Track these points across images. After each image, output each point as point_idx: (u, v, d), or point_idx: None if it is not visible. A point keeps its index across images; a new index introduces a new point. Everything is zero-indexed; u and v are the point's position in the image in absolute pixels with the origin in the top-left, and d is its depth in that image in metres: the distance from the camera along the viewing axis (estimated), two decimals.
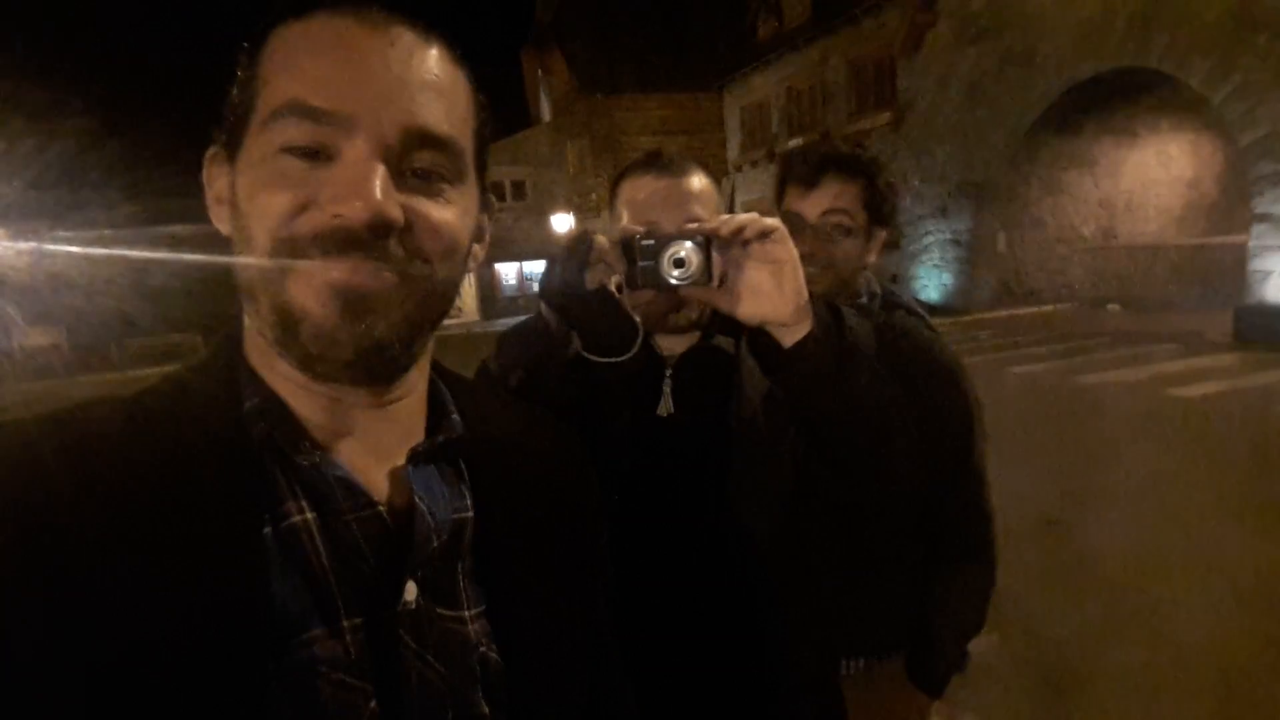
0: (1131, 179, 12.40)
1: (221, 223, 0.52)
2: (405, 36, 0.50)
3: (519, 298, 24.59)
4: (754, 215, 0.84)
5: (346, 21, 0.49)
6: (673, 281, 0.83)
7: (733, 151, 19.45)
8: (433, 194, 0.50)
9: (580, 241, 0.87)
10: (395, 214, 0.47)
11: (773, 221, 0.83)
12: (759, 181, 17.83)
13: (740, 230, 0.82)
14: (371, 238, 0.47)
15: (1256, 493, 4.04)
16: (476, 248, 0.57)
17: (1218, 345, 8.23)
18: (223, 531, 0.46)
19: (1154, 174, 12.49)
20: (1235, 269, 9.06)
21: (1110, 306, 11.47)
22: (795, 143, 16.47)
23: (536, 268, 25.85)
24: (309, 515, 0.49)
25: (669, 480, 0.99)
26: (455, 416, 0.58)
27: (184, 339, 18.76)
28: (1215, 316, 8.90)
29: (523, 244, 22.82)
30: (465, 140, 0.53)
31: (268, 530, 0.48)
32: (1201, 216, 12.80)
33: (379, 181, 0.46)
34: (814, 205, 1.22)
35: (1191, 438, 5.24)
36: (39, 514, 0.43)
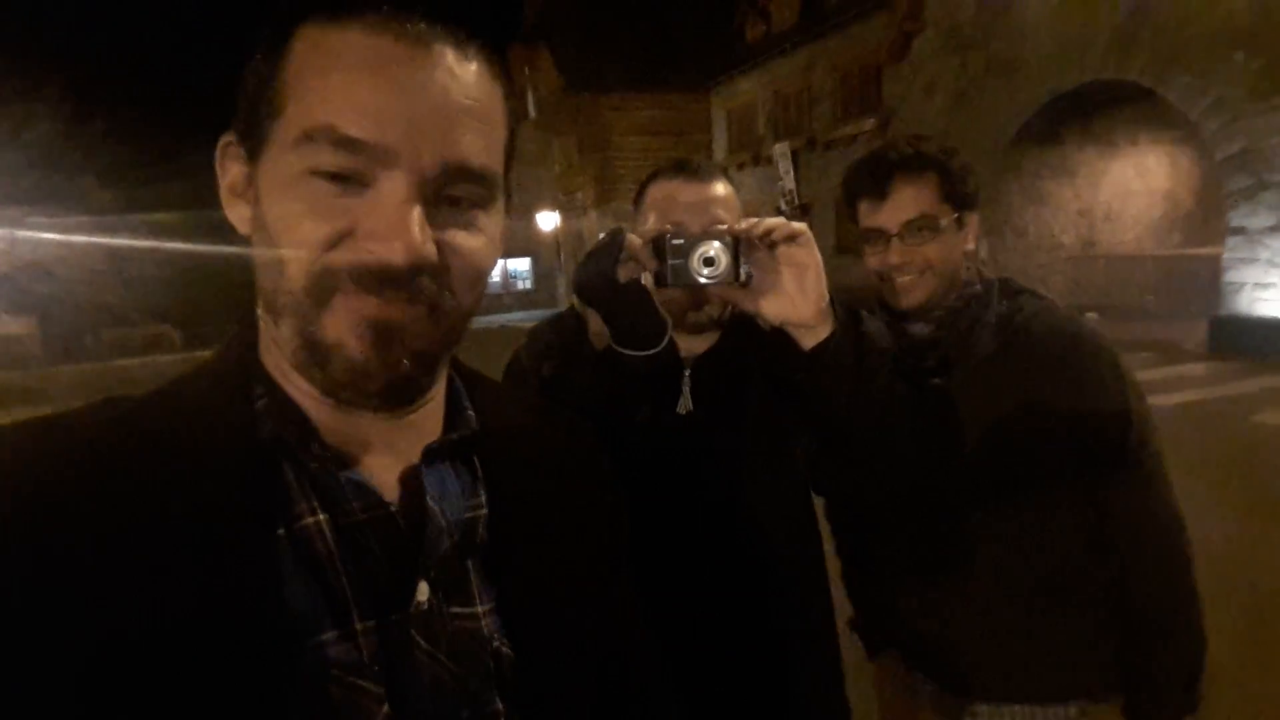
0: (1111, 189, 12.58)
1: (239, 220, 0.52)
2: (446, 54, 0.48)
3: (503, 295, 24.51)
4: (781, 219, 0.87)
5: (386, 39, 0.46)
6: (702, 280, 0.86)
7: (719, 154, 19.50)
8: (464, 224, 0.50)
9: (614, 237, 0.88)
10: (431, 254, 0.47)
11: (799, 225, 0.87)
12: (745, 185, 17.89)
13: (768, 233, 0.86)
14: (406, 276, 0.46)
15: (1229, 498, 4.13)
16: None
17: (1192, 355, 8.37)
18: (235, 533, 0.45)
19: (1132, 185, 12.68)
20: (1210, 280, 9.22)
21: (1088, 315, 11.65)
22: (781, 147, 16.56)
23: (520, 265, 25.79)
24: (321, 517, 0.48)
25: (687, 476, 1.01)
26: (470, 413, 0.58)
27: (163, 330, 18.51)
28: (1190, 326, 9.05)
29: (507, 241, 22.63)
30: (499, 163, 0.52)
31: (280, 532, 0.47)
32: (1177, 228, 13.01)
33: (416, 221, 0.46)
34: (891, 216, 1.15)
35: (1166, 446, 5.30)
36: (50, 515, 0.42)
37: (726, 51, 19.12)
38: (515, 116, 0.55)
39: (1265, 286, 8.44)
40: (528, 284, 25.80)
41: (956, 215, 1.17)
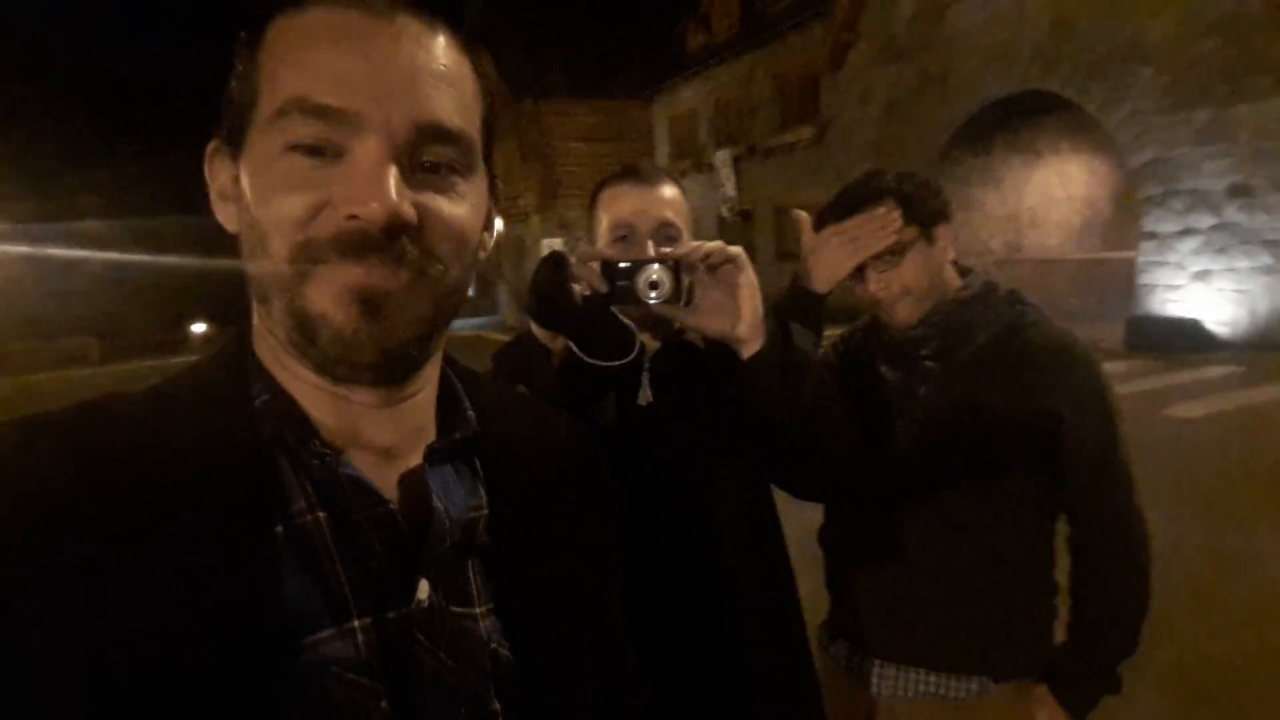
0: (1035, 196, 13.13)
1: (228, 220, 0.52)
2: (411, 26, 0.49)
3: None
4: (719, 244, 0.96)
5: (350, 13, 0.47)
6: (647, 300, 0.94)
7: (661, 160, 19.60)
8: (444, 189, 0.50)
9: (556, 263, 0.94)
10: (409, 213, 0.46)
11: (735, 249, 0.96)
12: (687, 192, 17.94)
13: (708, 256, 0.94)
14: (386, 238, 0.46)
15: (1147, 487, 4.35)
16: (486, 236, 0.56)
17: (1111, 353, 8.76)
18: (233, 530, 0.45)
19: (1055, 192, 13.26)
20: (1126, 282, 9.69)
21: None
22: (723, 154, 16.77)
23: None
24: (320, 514, 0.49)
25: (652, 465, 1.04)
26: (470, 413, 0.58)
27: (83, 342, 17.61)
28: (1109, 326, 9.48)
29: None
30: (474, 130, 0.52)
31: (279, 529, 0.47)
32: (1096, 233, 13.65)
33: (392, 181, 0.46)
34: None
35: None
36: (48, 511, 0.42)
37: (668, 59, 19.27)
38: (489, 94, 0.55)
39: (1175, 288, 8.94)
40: (470, 291, 25.43)
41: (923, 233, 1.22)
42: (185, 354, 15.88)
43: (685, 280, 0.95)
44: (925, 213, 1.23)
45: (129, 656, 0.41)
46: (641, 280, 0.93)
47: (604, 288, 0.95)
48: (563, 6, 20.54)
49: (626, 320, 1.00)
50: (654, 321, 1.08)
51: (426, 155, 0.49)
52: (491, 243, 0.58)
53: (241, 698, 0.43)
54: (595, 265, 0.96)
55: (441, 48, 0.50)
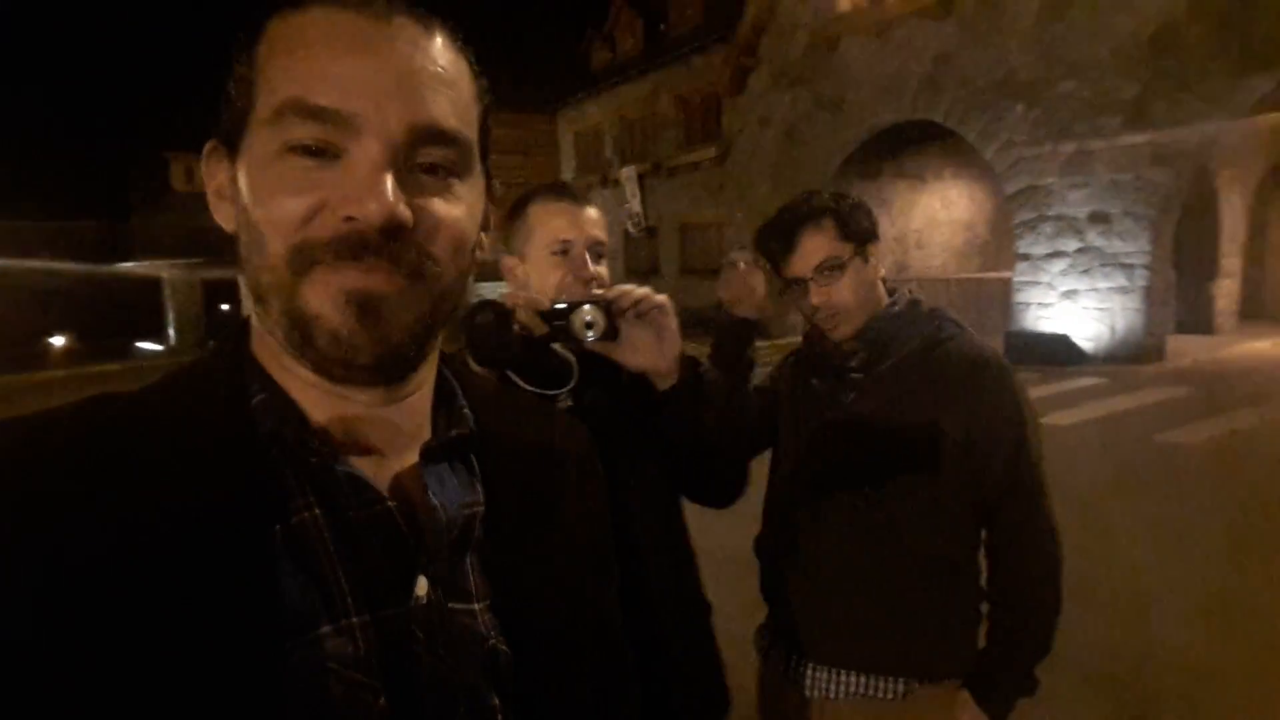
0: (920, 219, 13.96)
1: (224, 220, 0.52)
2: (408, 27, 0.49)
3: None
4: (647, 291, 1.09)
5: (347, 14, 0.48)
6: (585, 339, 1.04)
7: (567, 174, 19.65)
8: (441, 191, 0.50)
9: (497, 313, 0.99)
10: (406, 215, 0.47)
11: (661, 297, 1.09)
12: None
13: (637, 303, 1.07)
14: (383, 240, 0.46)
15: None
16: (483, 236, 0.56)
17: None
18: (231, 529, 0.46)
19: (938, 215, 14.14)
20: (1003, 300, 10.43)
21: None
22: (628, 170, 16.97)
23: None
24: (317, 512, 0.49)
25: None
26: (466, 411, 0.59)
27: None
28: (989, 341, 10.15)
29: None
30: (471, 131, 0.52)
31: (276, 528, 0.47)
32: (976, 254, 14.64)
33: (389, 183, 0.46)
34: (802, 265, 1.29)
35: None
36: (47, 508, 0.42)
37: (574, 75, 19.37)
38: (487, 95, 0.55)
39: (1046, 306, 9.69)
40: None
41: (860, 248, 1.30)
42: (48, 369, 14.60)
43: (616, 320, 1.05)
44: (859, 231, 1.30)
45: (127, 653, 0.41)
46: (577, 321, 1.03)
47: (543, 329, 1.04)
48: (467, 19, 20.32)
49: (564, 352, 1.09)
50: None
51: (423, 156, 0.49)
52: (489, 243, 0.58)
53: (239, 695, 0.43)
54: (532, 310, 1.04)
55: (439, 49, 0.50)
